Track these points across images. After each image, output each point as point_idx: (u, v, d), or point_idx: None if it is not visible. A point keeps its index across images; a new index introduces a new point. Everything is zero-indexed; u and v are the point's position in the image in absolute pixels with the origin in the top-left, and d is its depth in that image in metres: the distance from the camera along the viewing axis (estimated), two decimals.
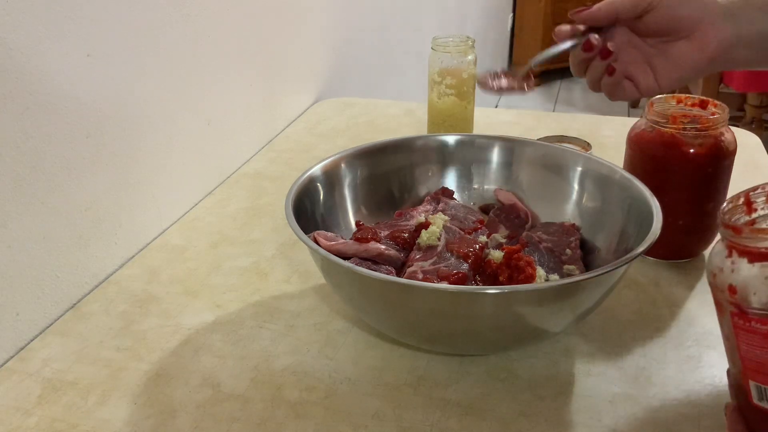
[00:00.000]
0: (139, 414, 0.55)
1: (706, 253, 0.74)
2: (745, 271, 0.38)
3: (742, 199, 0.42)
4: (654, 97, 0.71)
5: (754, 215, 0.42)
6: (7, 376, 0.59)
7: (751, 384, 0.40)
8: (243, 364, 0.60)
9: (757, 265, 0.38)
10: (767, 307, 0.37)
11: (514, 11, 3.72)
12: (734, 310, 0.39)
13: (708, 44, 0.56)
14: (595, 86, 0.61)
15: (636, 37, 0.59)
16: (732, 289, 0.39)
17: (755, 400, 0.40)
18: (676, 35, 0.57)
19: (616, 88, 0.60)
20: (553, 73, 3.90)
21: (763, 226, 0.41)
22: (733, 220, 0.41)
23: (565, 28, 0.60)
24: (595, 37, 0.58)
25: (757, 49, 0.56)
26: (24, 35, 0.60)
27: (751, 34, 0.55)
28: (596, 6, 0.58)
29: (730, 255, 0.39)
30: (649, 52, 0.59)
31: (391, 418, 0.54)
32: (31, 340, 0.64)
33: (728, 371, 0.44)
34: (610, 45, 0.58)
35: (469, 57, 0.98)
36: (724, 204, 0.42)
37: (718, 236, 0.42)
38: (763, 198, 0.42)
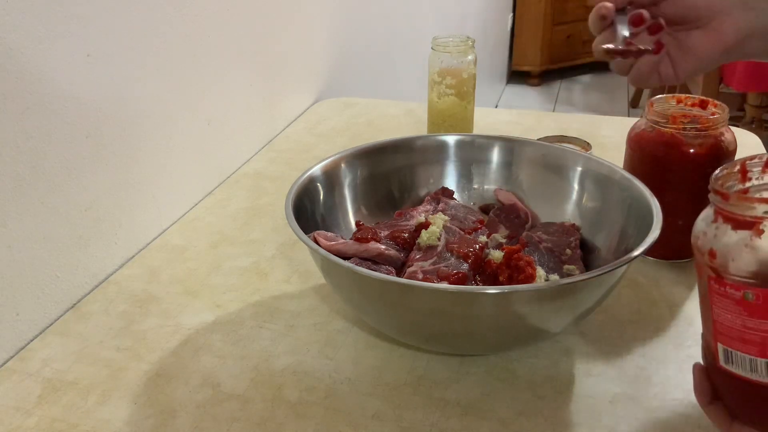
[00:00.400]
0: (139, 414, 0.55)
1: None
2: (728, 237, 0.39)
3: (737, 167, 0.42)
4: (654, 97, 0.71)
5: (747, 184, 0.42)
6: (7, 376, 0.60)
7: (720, 347, 0.41)
8: (243, 364, 0.60)
9: (740, 232, 0.38)
10: (743, 275, 0.38)
11: (514, 11, 3.72)
12: (712, 275, 0.40)
13: (724, 35, 0.54)
14: (625, 68, 0.58)
15: None
16: (712, 254, 0.39)
17: (722, 363, 0.41)
18: (692, 24, 0.56)
19: (653, 69, 0.57)
20: (553, 73, 3.91)
21: (754, 196, 0.41)
22: (725, 186, 0.41)
23: (609, 5, 0.56)
24: (644, 10, 0.55)
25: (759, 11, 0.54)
26: (24, 35, 0.60)
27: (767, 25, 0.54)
28: None
29: (715, 220, 0.40)
30: (666, 41, 0.57)
31: (391, 418, 0.54)
32: (31, 340, 0.64)
33: (702, 334, 0.45)
34: (660, 19, 0.56)
35: (469, 57, 0.98)
36: (718, 170, 0.42)
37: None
38: (759, 168, 0.42)
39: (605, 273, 0.51)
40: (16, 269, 0.62)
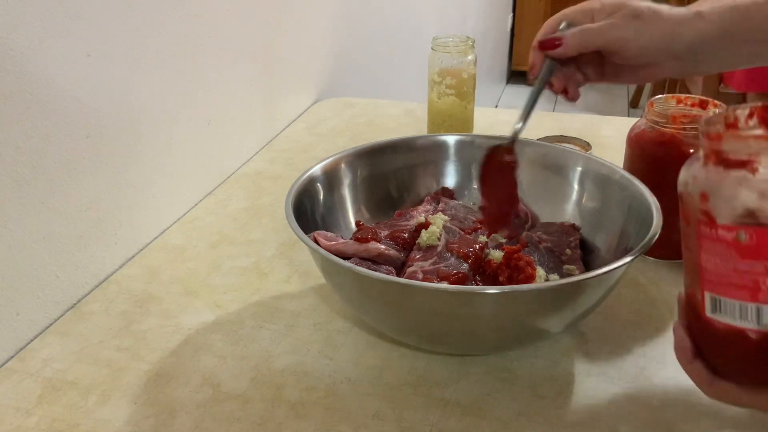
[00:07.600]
0: (139, 414, 0.55)
1: None
2: (720, 178, 0.39)
3: (727, 113, 0.42)
4: (654, 98, 0.71)
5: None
6: (7, 376, 0.59)
7: (707, 296, 0.40)
8: (243, 364, 0.60)
9: (733, 172, 0.38)
10: (736, 215, 0.38)
11: (514, 11, 3.72)
12: (702, 219, 0.40)
13: (652, 76, 0.62)
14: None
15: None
16: (704, 196, 0.39)
17: (708, 313, 0.41)
18: (622, 68, 0.62)
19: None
20: None
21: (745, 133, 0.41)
22: (715, 129, 0.41)
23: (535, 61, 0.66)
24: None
25: (687, 61, 0.60)
26: (24, 35, 0.60)
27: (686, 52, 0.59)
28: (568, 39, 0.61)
29: (706, 164, 0.40)
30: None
31: (391, 418, 0.54)
32: (31, 340, 0.64)
33: (683, 290, 0.44)
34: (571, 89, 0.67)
35: (469, 57, 0.98)
36: (707, 116, 0.42)
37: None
38: (746, 114, 0.41)
39: (605, 273, 0.51)
40: (16, 269, 0.62)
